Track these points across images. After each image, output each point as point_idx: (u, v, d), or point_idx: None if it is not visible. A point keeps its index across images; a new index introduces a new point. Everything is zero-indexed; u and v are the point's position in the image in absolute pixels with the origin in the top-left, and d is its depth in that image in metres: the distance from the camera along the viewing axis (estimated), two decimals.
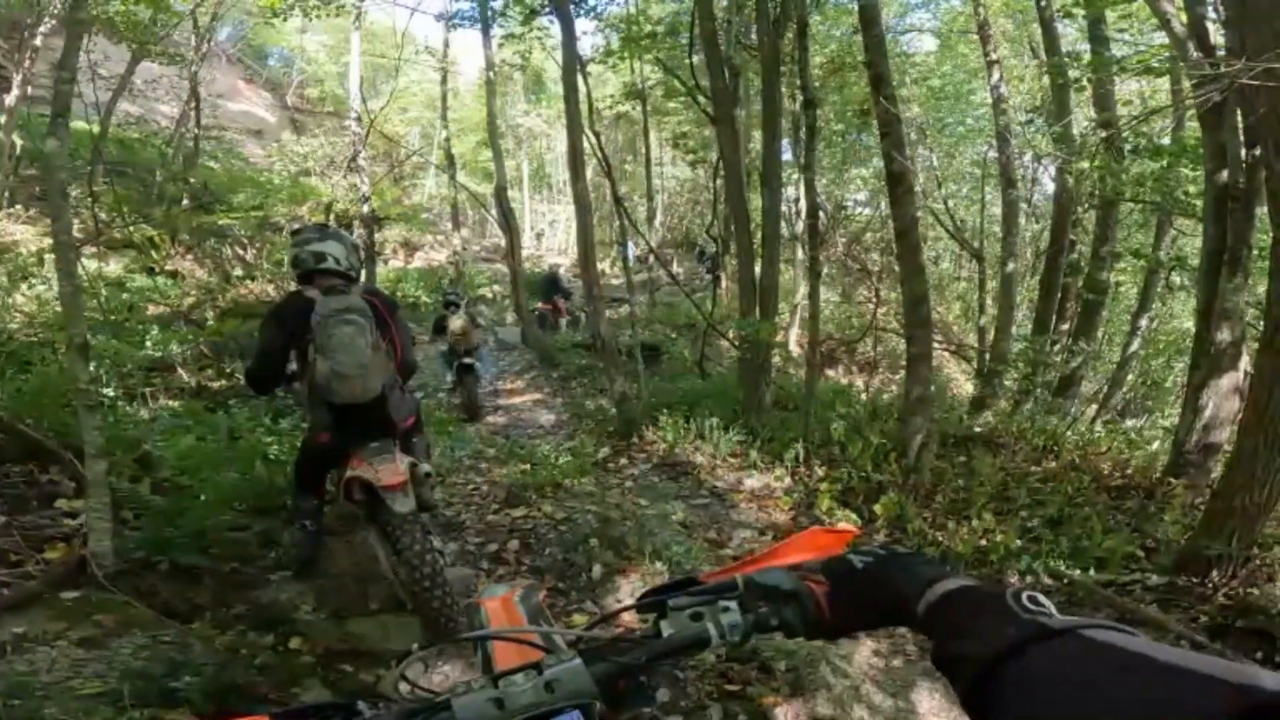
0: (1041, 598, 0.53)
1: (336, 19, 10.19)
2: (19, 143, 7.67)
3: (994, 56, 9.07)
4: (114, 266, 8.68)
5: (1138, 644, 0.45)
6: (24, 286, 7.53)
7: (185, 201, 10.84)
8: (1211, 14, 5.29)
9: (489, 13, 10.24)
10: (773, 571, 0.74)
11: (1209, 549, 3.37)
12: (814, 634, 0.71)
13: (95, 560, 2.58)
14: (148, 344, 6.65)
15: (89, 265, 7.50)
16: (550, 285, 13.23)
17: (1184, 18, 5.46)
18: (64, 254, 2.98)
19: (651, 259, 13.83)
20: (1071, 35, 9.03)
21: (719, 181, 8.95)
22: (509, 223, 11.02)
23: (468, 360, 7.33)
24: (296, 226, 3.61)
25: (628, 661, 0.70)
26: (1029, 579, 3.83)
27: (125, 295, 7.88)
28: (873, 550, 0.70)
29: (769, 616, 0.71)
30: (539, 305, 12.63)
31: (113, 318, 7.12)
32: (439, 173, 18.52)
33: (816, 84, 8.74)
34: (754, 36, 7.94)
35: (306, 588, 2.97)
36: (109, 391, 4.93)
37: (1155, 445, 6.09)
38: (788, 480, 5.49)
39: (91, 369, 2.99)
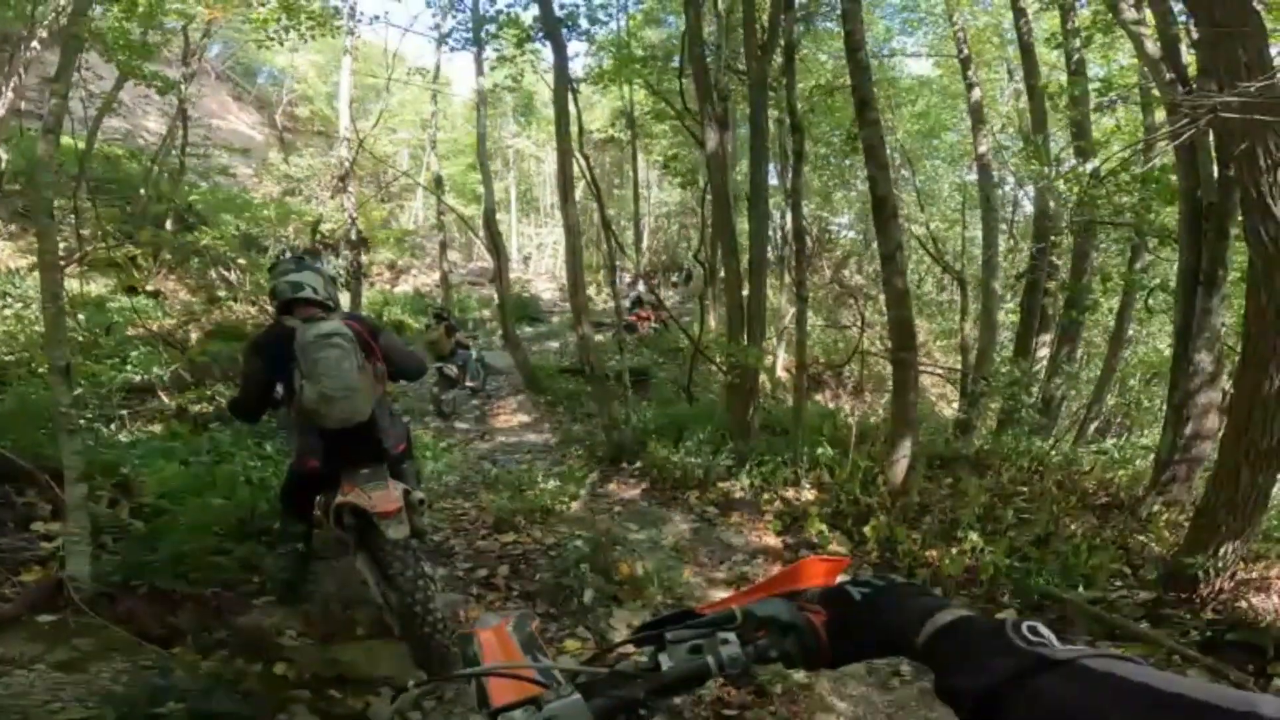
0: (1042, 628, 0.53)
1: (329, 38, 10.22)
2: (3, 157, 7.57)
3: (973, 81, 9.32)
4: (95, 286, 8.57)
5: (1139, 672, 0.46)
6: (1, 305, 7.40)
7: (169, 220, 10.75)
8: (1184, 34, 5.36)
9: (482, 35, 10.34)
10: (771, 602, 0.74)
11: (1194, 565, 3.39)
12: (814, 665, 0.71)
13: (72, 584, 2.53)
14: (128, 366, 6.54)
15: (70, 285, 7.39)
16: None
17: (1157, 39, 5.55)
18: (49, 275, 2.95)
19: (641, 285, 13.90)
20: (1051, 58, 9.26)
21: (707, 205, 9.04)
22: (497, 247, 11.00)
23: (438, 364, 8.74)
24: (274, 259, 3.74)
25: (628, 696, 0.70)
26: (1018, 601, 3.83)
27: (106, 316, 7.77)
28: (870, 581, 0.70)
29: (768, 648, 0.71)
30: (627, 317, 12.36)
31: (88, 337, 7.00)
32: (427, 195, 18.56)
33: (806, 108, 8.90)
34: (743, 62, 8.07)
35: (291, 613, 2.90)
36: (88, 414, 4.84)
37: (1138, 464, 6.15)
38: (777, 504, 5.48)
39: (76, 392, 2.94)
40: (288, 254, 3.19)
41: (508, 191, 24.90)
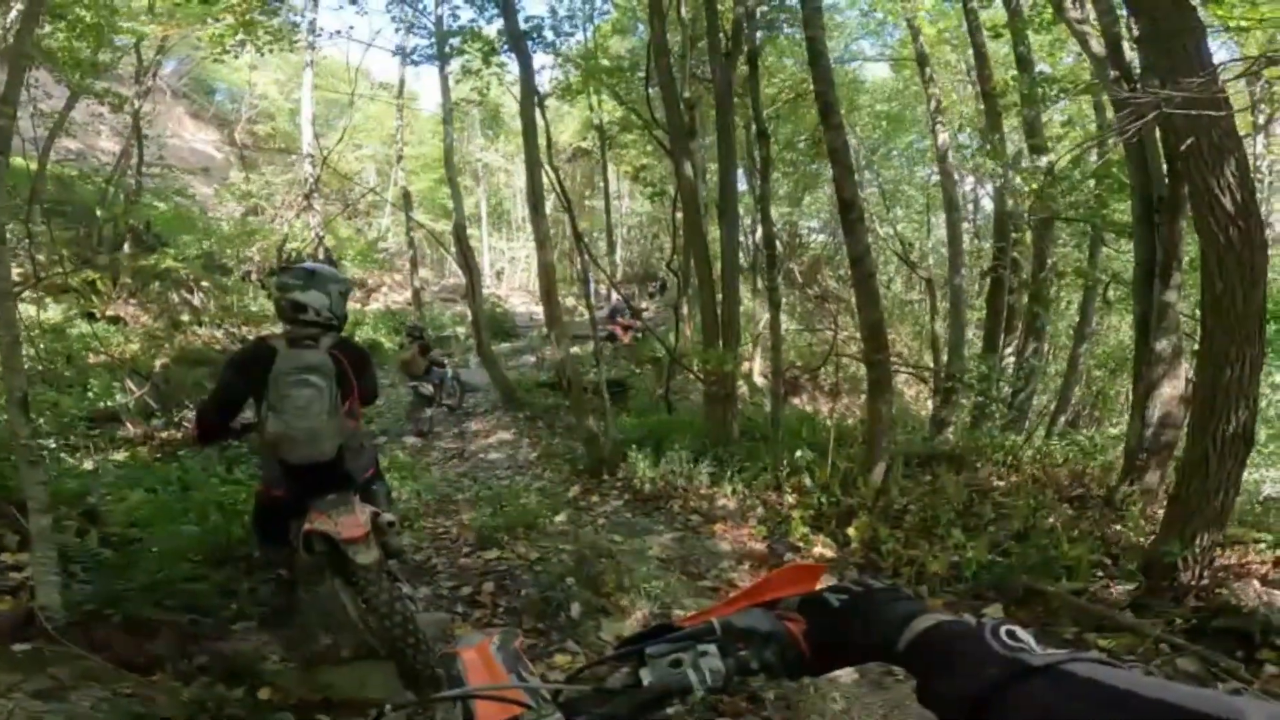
0: (1020, 632, 0.54)
1: (289, 54, 10.07)
2: None
3: (932, 84, 9.53)
4: (52, 312, 8.28)
5: (1121, 678, 0.46)
6: None
7: (127, 243, 10.45)
8: (1126, 31, 5.49)
9: (446, 49, 10.28)
10: (750, 612, 0.73)
11: (1171, 554, 3.46)
12: (796, 674, 0.71)
13: (44, 614, 2.46)
14: (90, 394, 6.34)
15: (26, 311, 7.14)
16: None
17: (1101, 37, 5.70)
18: (1, 302, 2.85)
19: (615, 296, 13.90)
20: (1003, 53, 9.47)
21: (678, 215, 9.09)
22: (468, 262, 10.87)
23: (414, 383, 8.79)
24: (275, 267, 3.62)
25: (610, 714, 0.69)
26: (1004, 597, 3.88)
27: (66, 343, 7.51)
28: (848, 587, 0.70)
29: (749, 659, 0.70)
30: (609, 327, 12.27)
31: (50, 366, 6.77)
32: (395, 211, 18.34)
33: (774, 114, 8.99)
34: (708, 70, 8.14)
35: (272, 637, 2.84)
36: (51, 444, 4.68)
37: (1109, 454, 6.29)
38: (760, 509, 5.49)
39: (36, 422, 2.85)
40: (313, 261, 3.08)
41: (478, 206, 24.74)
